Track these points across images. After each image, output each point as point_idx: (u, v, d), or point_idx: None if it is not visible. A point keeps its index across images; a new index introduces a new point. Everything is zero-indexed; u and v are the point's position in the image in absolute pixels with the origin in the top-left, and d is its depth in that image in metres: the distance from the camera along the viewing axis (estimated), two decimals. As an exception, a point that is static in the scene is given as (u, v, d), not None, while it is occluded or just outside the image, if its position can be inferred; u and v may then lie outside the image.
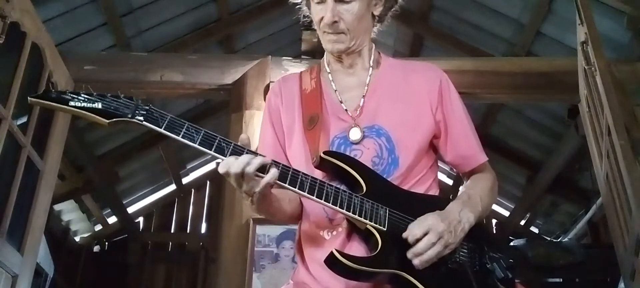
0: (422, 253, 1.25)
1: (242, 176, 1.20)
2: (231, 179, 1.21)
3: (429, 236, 1.25)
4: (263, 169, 1.22)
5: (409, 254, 1.25)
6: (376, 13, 1.53)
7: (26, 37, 2.78)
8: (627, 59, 3.40)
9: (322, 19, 1.45)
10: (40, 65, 2.96)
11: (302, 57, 4.04)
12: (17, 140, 2.71)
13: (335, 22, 1.43)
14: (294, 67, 3.50)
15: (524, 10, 4.07)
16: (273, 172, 1.22)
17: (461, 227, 1.31)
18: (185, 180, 6.90)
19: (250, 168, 1.19)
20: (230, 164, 1.20)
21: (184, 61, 3.64)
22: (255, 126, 3.22)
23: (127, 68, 3.55)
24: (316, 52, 3.90)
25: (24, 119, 2.83)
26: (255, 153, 1.23)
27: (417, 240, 1.26)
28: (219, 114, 5.26)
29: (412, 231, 1.27)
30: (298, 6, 1.58)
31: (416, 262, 1.25)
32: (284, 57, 3.69)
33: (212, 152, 1.22)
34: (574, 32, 3.10)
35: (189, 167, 6.79)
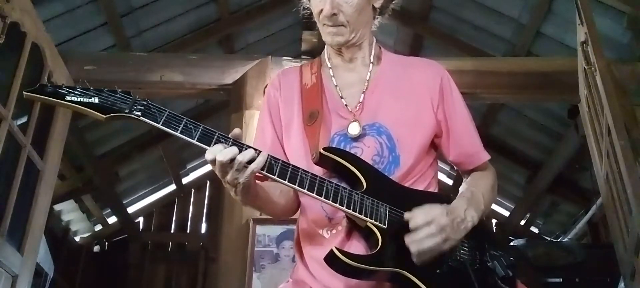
0: (418, 241, 1.23)
1: (229, 164, 1.17)
2: (216, 168, 1.19)
3: (430, 227, 1.24)
4: (251, 160, 1.20)
5: (407, 239, 1.24)
6: (377, 5, 1.51)
7: (26, 37, 2.78)
8: (627, 59, 3.40)
9: (321, 11, 1.44)
10: (40, 65, 2.95)
11: (302, 57, 4.04)
12: (17, 140, 2.70)
13: (335, 14, 1.42)
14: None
15: (524, 10, 4.07)
16: (259, 159, 1.20)
17: (464, 225, 1.30)
18: (185, 180, 6.90)
19: (244, 158, 1.17)
20: (217, 151, 1.17)
21: (184, 61, 3.63)
22: (255, 126, 3.21)
23: (127, 68, 3.55)
24: (316, 52, 3.90)
25: (24, 119, 2.83)
26: (243, 145, 1.21)
27: (417, 228, 1.25)
28: (219, 114, 5.26)
29: (415, 218, 1.25)
30: None
31: (412, 248, 1.23)
32: (284, 57, 3.69)
33: (210, 148, 1.20)
34: (574, 32, 3.10)
35: (189, 167, 6.79)
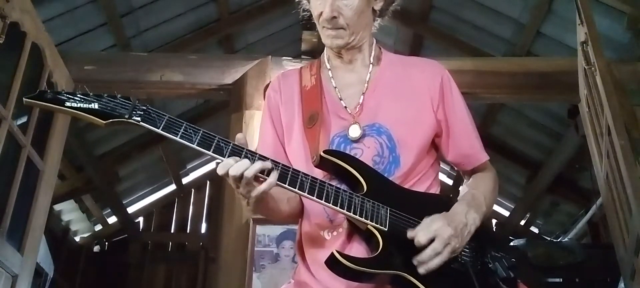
0: (427, 262, 1.23)
1: (240, 179, 1.19)
2: (229, 180, 1.20)
3: (435, 244, 1.24)
4: (262, 171, 1.21)
5: (414, 261, 1.24)
6: (376, 8, 1.51)
7: (26, 37, 2.78)
8: (627, 59, 3.40)
9: (321, 13, 1.43)
10: (40, 65, 2.96)
11: (302, 57, 4.04)
12: (17, 140, 2.71)
13: (335, 17, 1.41)
14: (293, 67, 3.51)
15: (524, 10, 4.07)
16: (271, 180, 1.20)
17: (468, 230, 1.30)
18: (185, 180, 6.90)
19: (250, 173, 1.18)
20: (229, 166, 1.18)
21: (184, 61, 3.63)
22: (255, 126, 3.22)
23: (127, 68, 3.55)
24: (316, 52, 3.90)
25: (24, 119, 2.83)
26: (254, 154, 1.22)
27: (423, 246, 1.24)
28: (219, 114, 5.26)
29: (418, 237, 1.25)
30: (297, 0, 1.57)
31: (421, 270, 1.23)
32: (284, 57, 3.69)
33: (210, 153, 1.21)
34: (574, 32, 3.10)
35: (189, 167, 6.79)
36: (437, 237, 1.24)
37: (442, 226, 1.26)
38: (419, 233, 1.25)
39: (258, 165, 1.19)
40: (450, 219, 1.28)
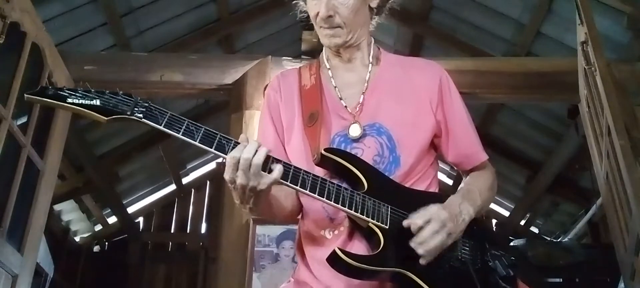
0: (425, 241, 1.24)
1: (249, 168, 1.18)
2: (239, 176, 1.18)
3: (432, 224, 1.25)
4: (265, 166, 1.20)
5: (412, 243, 1.24)
6: (373, 5, 1.51)
7: (26, 37, 2.78)
8: (627, 59, 3.40)
9: (317, 13, 1.44)
10: (40, 65, 2.95)
11: (302, 57, 4.04)
12: (17, 140, 2.70)
13: (331, 16, 1.42)
14: (293, 67, 3.51)
15: (524, 10, 4.07)
16: (280, 166, 1.20)
17: (461, 219, 1.31)
18: (185, 180, 6.90)
19: (259, 158, 1.17)
20: (240, 151, 1.17)
21: (184, 61, 3.63)
22: (255, 126, 3.21)
23: (127, 68, 3.55)
24: (316, 52, 3.89)
25: (24, 119, 2.83)
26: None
27: (420, 229, 1.25)
28: (219, 114, 5.26)
29: (414, 220, 1.26)
30: (294, 2, 1.57)
31: (420, 250, 1.23)
32: (284, 57, 3.69)
33: (212, 150, 1.20)
34: (574, 32, 3.10)
35: (189, 167, 6.79)
36: (433, 219, 1.25)
37: (437, 210, 1.27)
38: (414, 217, 1.26)
39: (265, 149, 1.20)
40: (445, 206, 1.30)
